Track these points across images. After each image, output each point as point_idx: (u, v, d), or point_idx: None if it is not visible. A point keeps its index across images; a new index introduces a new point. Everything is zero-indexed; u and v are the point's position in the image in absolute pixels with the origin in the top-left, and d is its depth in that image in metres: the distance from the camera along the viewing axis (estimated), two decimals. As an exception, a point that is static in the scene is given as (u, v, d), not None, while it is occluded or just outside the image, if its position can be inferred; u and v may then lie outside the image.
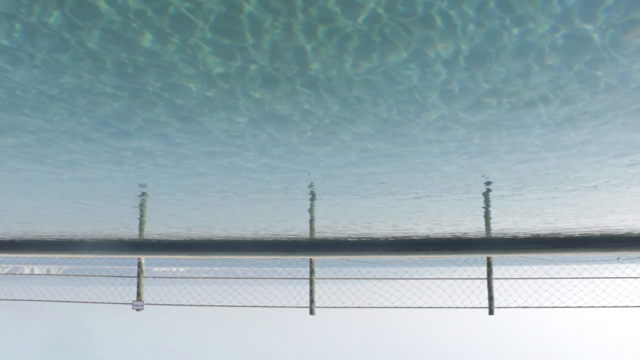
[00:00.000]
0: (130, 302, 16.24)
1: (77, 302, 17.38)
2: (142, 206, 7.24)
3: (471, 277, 15.65)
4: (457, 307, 15.33)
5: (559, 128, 3.47)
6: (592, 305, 14.97)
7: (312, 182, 5.38)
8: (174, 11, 2.03)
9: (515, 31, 2.18)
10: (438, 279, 16.10)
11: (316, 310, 15.51)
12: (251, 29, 2.15)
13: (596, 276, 15.30)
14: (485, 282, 15.03)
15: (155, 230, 10.66)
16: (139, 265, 16.31)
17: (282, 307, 15.81)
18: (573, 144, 3.88)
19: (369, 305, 15.59)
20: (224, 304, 16.19)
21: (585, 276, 15.35)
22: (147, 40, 2.23)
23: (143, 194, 6.16)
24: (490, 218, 8.72)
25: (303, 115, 3.19)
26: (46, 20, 2.08)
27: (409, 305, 15.56)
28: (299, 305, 15.58)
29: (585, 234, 11.48)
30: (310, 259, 15.39)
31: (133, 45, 2.28)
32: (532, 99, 2.94)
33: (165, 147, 3.98)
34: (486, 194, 6.20)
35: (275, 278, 16.41)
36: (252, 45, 2.29)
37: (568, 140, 3.76)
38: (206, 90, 2.77)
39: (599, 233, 11.38)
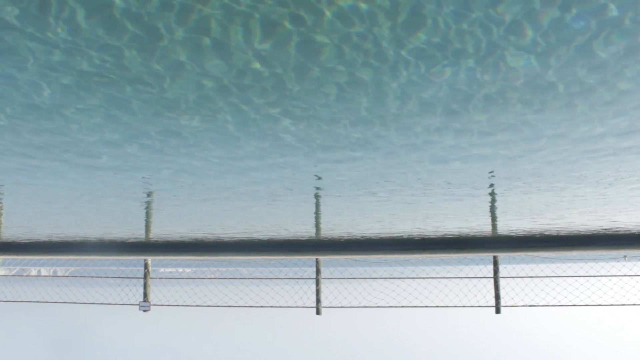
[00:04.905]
0: (137, 303, 16.29)
1: (84, 303, 17.45)
2: (148, 207, 7.26)
3: (477, 275, 15.63)
4: (464, 306, 15.31)
5: (566, 125, 3.46)
6: (599, 303, 14.93)
7: (318, 182, 5.39)
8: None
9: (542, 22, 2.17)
10: (444, 278, 16.09)
11: (322, 310, 15.52)
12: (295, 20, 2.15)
13: (603, 274, 15.27)
14: (492, 280, 15.02)
15: (161, 231, 10.68)
16: (146, 266, 16.35)
17: (289, 307, 15.83)
18: (581, 141, 3.87)
19: (376, 305, 15.60)
20: (230, 305, 16.23)
21: (592, 274, 15.32)
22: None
23: (149, 194, 6.18)
24: (496, 216, 8.71)
25: (307, 113, 3.19)
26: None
27: (415, 305, 15.56)
28: (306, 305, 15.60)
29: (591, 232, 11.44)
30: (317, 259, 15.40)
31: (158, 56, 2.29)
32: (537, 97, 2.93)
33: (173, 148, 3.99)
34: (492, 193, 6.19)
35: (281, 278, 16.43)
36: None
37: (576, 138, 3.75)
38: (221, 96, 2.78)
39: (605, 231, 11.34)
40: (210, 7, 1.98)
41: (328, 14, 2.03)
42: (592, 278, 15.26)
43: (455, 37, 2.21)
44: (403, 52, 2.36)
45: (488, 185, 5.65)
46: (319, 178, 5.16)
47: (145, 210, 7.62)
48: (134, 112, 3.12)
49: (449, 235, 12.00)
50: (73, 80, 2.66)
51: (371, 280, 16.62)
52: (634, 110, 3.16)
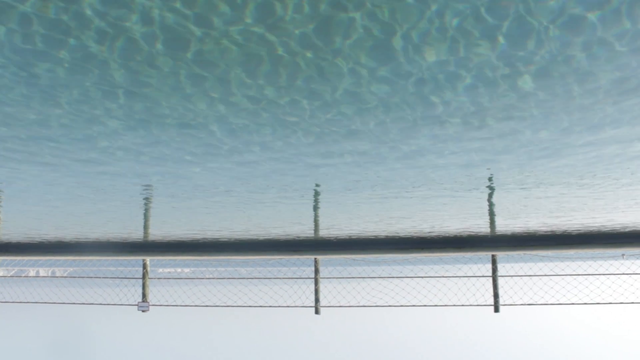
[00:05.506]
0: (136, 303, 16.28)
1: (83, 304, 17.43)
2: (146, 207, 7.26)
3: (476, 274, 15.65)
4: (463, 305, 15.33)
5: (565, 124, 3.47)
6: (597, 302, 14.96)
7: (317, 182, 5.39)
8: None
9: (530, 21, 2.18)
10: (443, 277, 16.11)
11: (321, 310, 15.53)
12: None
13: (601, 272, 15.29)
14: (491, 279, 15.03)
15: (159, 231, 10.68)
16: (144, 266, 16.34)
17: (288, 306, 15.83)
18: (584, 141, 3.88)
19: (374, 304, 15.61)
20: (229, 305, 16.22)
21: (590, 273, 15.34)
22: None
23: (147, 198, 6.18)
24: (494, 215, 8.72)
25: (307, 113, 3.19)
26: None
27: (414, 304, 15.57)
28: (304, 304, 15.60)
29: (590, 230, 11.46)
30: (315, 259, 15.41)
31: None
32: (536, 95, 2.94)
33: (170, 149, 3.99)
34: (490, 191, 6.20)
35: (280, 278, 16.43)
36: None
37: (580, 136, 3.76)
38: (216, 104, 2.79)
39: (603, 229, 11.36)
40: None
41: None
42: (590, 276, 15.29)
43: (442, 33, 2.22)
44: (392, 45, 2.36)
45: (487, 183, 5.66)
46: (317, 179, 5.16)
47: (143, 211, 7.62)
48: (129, 115, 3.13)
49: (448, 234, 12.01)
50: (65, 84, 2.66)
51: (370, 279, 16.63)
52: (611, 107, 3.17)
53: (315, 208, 7.42)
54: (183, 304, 16.55)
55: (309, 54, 2.38)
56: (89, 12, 2.01)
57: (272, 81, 2.67)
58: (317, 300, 15.42)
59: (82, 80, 2.65)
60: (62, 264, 20.89)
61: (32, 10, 2.00)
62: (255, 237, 12.11)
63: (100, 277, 17.76)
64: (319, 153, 4.10)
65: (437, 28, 2.16)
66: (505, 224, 10.11)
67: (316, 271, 15.45)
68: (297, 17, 2.06)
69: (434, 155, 4.26)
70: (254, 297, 16.19)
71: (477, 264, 16.29)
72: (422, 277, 16.01)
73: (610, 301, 14.79)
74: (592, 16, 2.07)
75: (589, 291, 15.01)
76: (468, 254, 13.14)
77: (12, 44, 2.25)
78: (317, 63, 2.47)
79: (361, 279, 16.63)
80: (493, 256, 14.97)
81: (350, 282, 16.35)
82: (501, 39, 2.25)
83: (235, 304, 16.21)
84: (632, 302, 14.71)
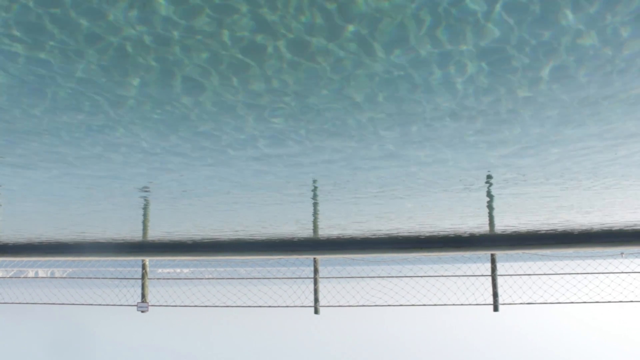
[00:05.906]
0: (135, 303, 16.26)
1: (82, 304, 17.42)
2: (145, 208, 7.25)
3: (475, 274, 15.66)
4: (462, 304, 15.33)
5: (563, 122, 3.47)
6: (596, 300, 14.96)
7: (315, 182, 5.39)
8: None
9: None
10: (442, 276, 16.10)
11: (320, 310, 15.52)
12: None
13: (600, 271, 15.29)
14: (490, 278, 15.02)
15: (158, 231, 10.68)
16: (143, 266, 16.32)
17: (287, 306, 15.82)
18: (577, 139, 3.88)
19: (374, 304, 15.60)
20: (228, 305, 16.22)
21: (589, 271, 15.34)
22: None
23: (145, 198, 6.18)
24: (493, 214, 8.72)
25: (307, 111, 3.20)
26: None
27: (413, 303, 15.56)
28: (304, 304, 15.59)
29: (588, 229, 11.46)
30: (314, 259, 15.40)
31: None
32: (534, 93, 2.94)
33: (169, 148, 3.99)
34: (489, 190, 6.19)
35: (279, 278, 16.43)
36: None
37: (572, 134, 3.76)
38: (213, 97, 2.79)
39: (602, 228, 11.36)
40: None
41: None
42: (589, 275, 15.29)
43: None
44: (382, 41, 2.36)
45: (486, 182, 5.66)
46: (312, 178, 5.16)
47: (142, 211, 7.61)
48: (125, 117, 3.13)
49: (447, 233, 12.00)
50: (68, 89, 2.66)
51: (369, 279, 16.63)
52: (603, 100, 3.17)
53: (313, 207, 7.42)
54: (182, 304, 16.54)
55: (294, 56, 2.38)
56: (74, 14, 2.01)
57: (260, 83, 2.67)
58: (316, 300, 15.40)
59: (73, 83, 2.65)
60: (61, 265, 20.88)
61: (15, 15, 2.00)
62: (254, 237, 12.11)
63: (99, 278, 17.74)
64: (313, 153, 4.10)
65: (423, 25, 2.15)
66: (504, 223, 10.11)
67: (315, 271, 15.44)
68: (284, 19, 2.06)
69: (426, 155, 4.26)
70: (253, 297, 16.18)
71: (477, 263, 16.29)
72: (421, 276, 16.01)
73: (609, 300, 14.80)
74: (573, 15, 2.07)
75: (588, 290, 15.01)
76: (467, 253, 13.14)
77: None
78: (303, 64, 2.47)
79: (360, 279, 16.63)
80: (492, 255, 14.97)
81: (350, 282, 16.34)
82: (486, 37, 2.25)
83: (234, 304, 16.20)
84: (631, 301, 14.72)
